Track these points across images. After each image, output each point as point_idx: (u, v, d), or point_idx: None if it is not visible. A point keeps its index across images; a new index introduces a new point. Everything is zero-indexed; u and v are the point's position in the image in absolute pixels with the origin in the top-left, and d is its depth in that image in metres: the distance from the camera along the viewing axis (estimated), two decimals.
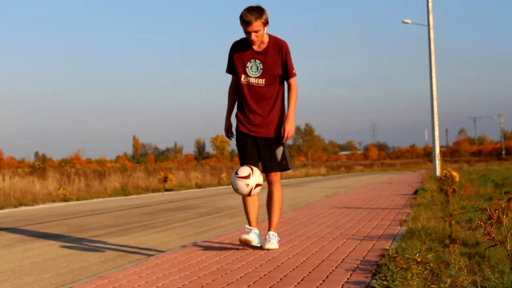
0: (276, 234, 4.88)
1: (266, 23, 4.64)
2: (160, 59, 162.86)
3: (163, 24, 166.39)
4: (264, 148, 4.80)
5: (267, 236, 4.86)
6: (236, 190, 4.55)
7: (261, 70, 4.75)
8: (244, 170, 4.53)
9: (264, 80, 4.75)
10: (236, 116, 4.91)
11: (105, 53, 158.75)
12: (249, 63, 4.76)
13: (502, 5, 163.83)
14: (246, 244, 4.76)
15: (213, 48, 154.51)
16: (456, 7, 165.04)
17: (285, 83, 4.89)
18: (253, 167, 4.57)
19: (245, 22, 4.58)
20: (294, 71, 4.80)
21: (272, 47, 4.75)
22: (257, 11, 4.59)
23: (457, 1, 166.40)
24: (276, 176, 4.84)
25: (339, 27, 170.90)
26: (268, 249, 4.77)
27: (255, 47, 4.74)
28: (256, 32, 4.61)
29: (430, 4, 20.08)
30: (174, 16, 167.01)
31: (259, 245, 4.83)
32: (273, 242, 4.79)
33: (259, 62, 4.74)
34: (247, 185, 4.49)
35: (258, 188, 4.56)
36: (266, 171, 4.84)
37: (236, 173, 4.53)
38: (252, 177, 4.50)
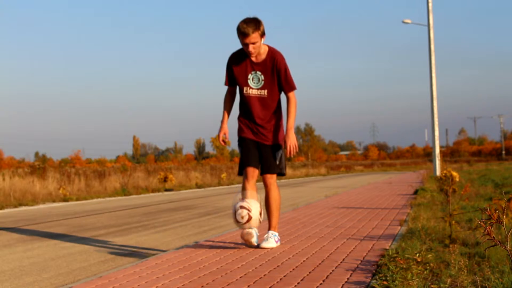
0: (276, 233, 4.94)
1: (263, 35, 4.67)
2: (160, 59, 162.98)
3: (163, 24, 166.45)
4: (265, 151, 4.88)
5: (266, 235, 4.92)
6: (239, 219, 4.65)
7: (263, 82, 4.80)
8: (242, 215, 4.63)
9: (266, 90, 4.82)
10: (240, 121, 4.95)
11: (105, 53, 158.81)
12: (250, 75, 4.80)
13: (502, 5, 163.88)
14: (247, 240, 4.77)
15: (213, 48, 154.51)
16: (456, 7, 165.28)
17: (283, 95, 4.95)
18: (251, 209, 4.63)
19: (242, 34, 4.60)
20: (294, 85, 4.85)
21: (269, 58, 4.78)
22: (254, 23, 4.60)
23: (457, 1, 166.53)
24: (272, 178, 4.90)
25: (339, 27, 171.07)
26: (264, 248, 4.81)
27: (253, 59, 4.77)
28: (253, 43, 4.63)
29: (430, 4, 20.08)
30: (174, 16, 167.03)
31: (256, 243, 4.86)
32: (271, 241, 4.85)
33: (260, 73, 4.79)
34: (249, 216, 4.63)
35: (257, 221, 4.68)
36: (264, 173, 4.90)
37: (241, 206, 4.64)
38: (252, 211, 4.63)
